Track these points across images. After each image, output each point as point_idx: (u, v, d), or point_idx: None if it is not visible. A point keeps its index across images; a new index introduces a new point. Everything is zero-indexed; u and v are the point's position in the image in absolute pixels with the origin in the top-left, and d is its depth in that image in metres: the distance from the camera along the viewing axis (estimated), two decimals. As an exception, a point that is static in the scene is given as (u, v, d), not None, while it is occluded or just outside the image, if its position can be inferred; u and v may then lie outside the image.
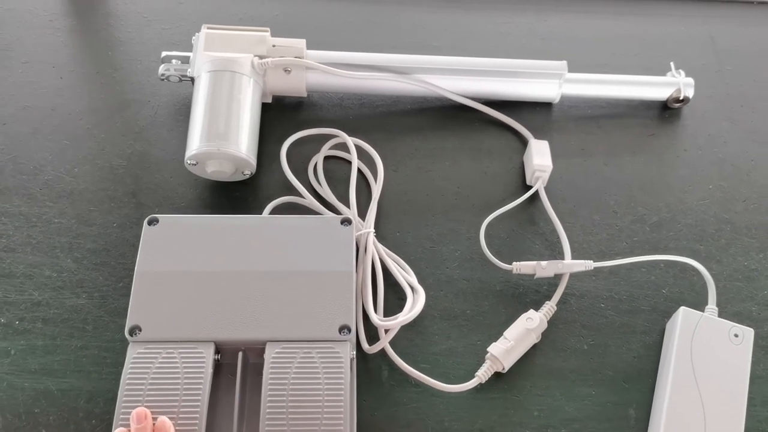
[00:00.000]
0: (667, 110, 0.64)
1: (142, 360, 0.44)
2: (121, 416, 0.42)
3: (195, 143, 0.53)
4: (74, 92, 0.62)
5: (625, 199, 0.59)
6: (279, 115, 0.61)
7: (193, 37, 0.59)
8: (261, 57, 0.57)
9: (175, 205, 0.56)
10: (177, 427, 0.42)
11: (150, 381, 0.43)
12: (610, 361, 0.51)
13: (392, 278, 0.53)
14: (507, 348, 0.49)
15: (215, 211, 0.56)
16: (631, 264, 0.55)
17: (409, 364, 0.49)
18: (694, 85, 0.63)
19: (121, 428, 0.41)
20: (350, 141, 0.58)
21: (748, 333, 0.49)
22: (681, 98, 0.63)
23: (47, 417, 0.47)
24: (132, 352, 0.44)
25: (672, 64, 0.64)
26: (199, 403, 0.43)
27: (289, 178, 0.56)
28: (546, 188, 0.58)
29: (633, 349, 0.52)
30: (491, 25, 0.70)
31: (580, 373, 0.51)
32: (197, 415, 0.42)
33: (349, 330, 0.46)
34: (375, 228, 0.55)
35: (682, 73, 0.63)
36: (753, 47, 0.69)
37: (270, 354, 0.44)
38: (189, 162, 0.54)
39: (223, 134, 0.53)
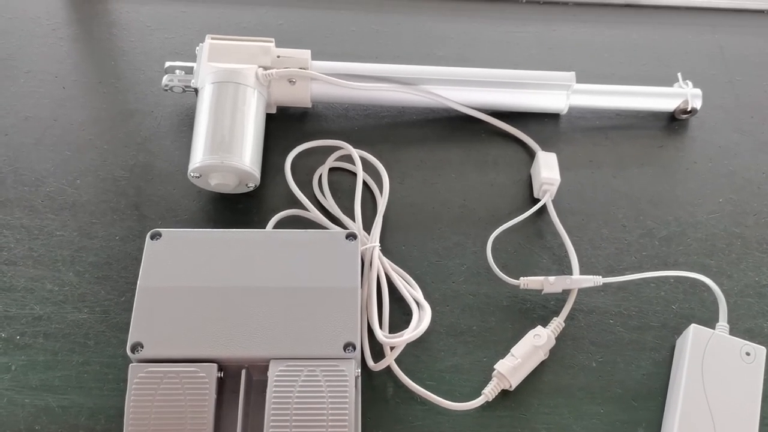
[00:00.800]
0: (675, 121, 0.63)
1: (145, 385, 0.43)
2: None
3: (198, 156, 0.53)
4: (77, 102, 0.61)
5: (633, 212, 0.58)
6: (283, 126, 0.61)
7: (197, 48, 0.58)
8: (265, 68, 0.56)
9: (178, 217, 0.56)
10: None
11: (155, 408, 0.42)
12: (619, 379, 0.50)
13: (398, 293, 0.52)
14: (514, 365, 0.49)
15: (219, 224, 0.55)
16: (641, 279, 0.54)
17: (414, 382, 0.49)
18: (704, 96, 0.62)
19: None
20: (355, 153, 0.57)
21: (760, 351, 0.48)
22: (688, 109, 0.62)
23: (48, 434, 0.47)
24: (133, 376, 0.43)
25: (679, 74, 0.64)
26: (205, 430, 0.42)
27: (293, 190, 0.55)
28: (554, 201, 0.57)
29: (642, 366, 0.51)
30: (499, 35, 0.69)
31: (588, 390, 0.50)
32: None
33: (354, 347, 0.45)
34: (380, 241, 0.54)
35: (690, 83, 0.62)
36: (763, 57, 0.69)
37: (274, 372, 0.44)
38: (192, 174, 0.53)
39: (227, 146, 0.53)
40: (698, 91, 0.62)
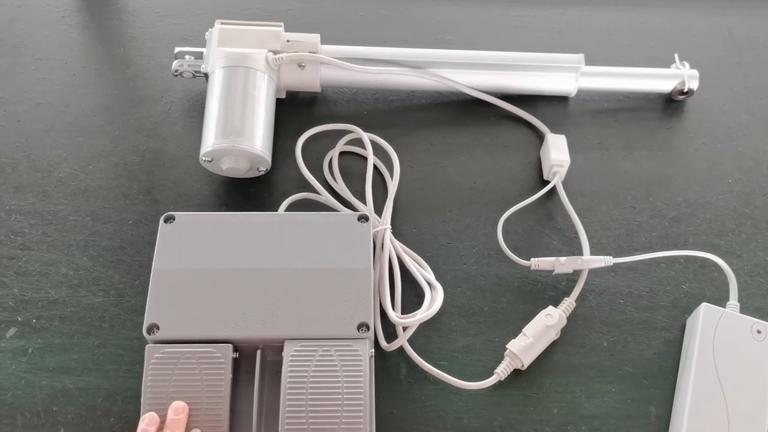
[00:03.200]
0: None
1: (161, 365, 0.43)
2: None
3: (210, 140, 0.53)
4: (87, 89, 0.62)
5: (643, 193, 0.58)
6: (293, 110, 0.61)
7: (207, 33, 0.58)
8: (275, 52, 0.57)
9: (190, 201, 0.56)
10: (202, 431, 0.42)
11: (171, 388, 0.43)
12: (630, 358, 0.51)
13: (410, 275, 0.52)
14: (526, 345, 0.49)
15: (230, 208, 0.56)
16: (651, 259, 0.54)
17: (427, 362, 0.49)
18: (712, 78, 0.62)
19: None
20: (366, 137, 0.57)
21: (770, 329, 0.49)
22: (685, 90, 0.62)
23: (65, 415, 0.47)
24: (150, 357, 0.43)
25: (676, 55, 0.64)
26: (221, 410, 0.43)
27: (304, 174, 0.56)
28: (563, 183, 0.57)
29: (653, 345, 0.51)
30: (507, 19, 0.69)
31: (599, 369, 0.50)
32: (221, 420, 0.43)
33: (368, 327, 0.45)
34: (391, 224, 0.54)
35: (687, 64, 0.62)
36: (772, 38, 0.69)
37: (288, 352, 0.44)
38: (204, 158, 0.54)
39: (238, 130, 0.53)
40: (695, 72, 0.62)
